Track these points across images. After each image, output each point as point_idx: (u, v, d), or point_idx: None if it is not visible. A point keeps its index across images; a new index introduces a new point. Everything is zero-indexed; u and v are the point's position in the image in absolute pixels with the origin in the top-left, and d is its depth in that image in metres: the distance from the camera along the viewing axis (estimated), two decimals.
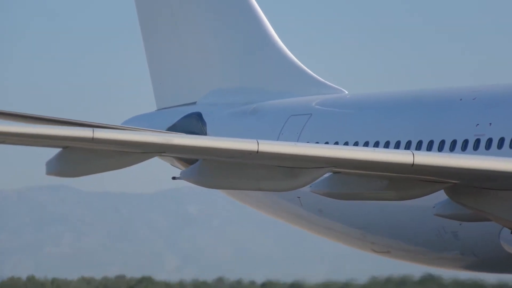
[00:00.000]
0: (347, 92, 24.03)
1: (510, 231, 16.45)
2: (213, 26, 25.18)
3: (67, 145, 14.21)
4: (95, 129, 13.61)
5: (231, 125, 23.65)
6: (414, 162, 14.42)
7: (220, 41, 25.06)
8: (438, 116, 20.07)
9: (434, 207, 17.13)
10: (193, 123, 24.49)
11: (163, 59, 26.19)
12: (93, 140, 13.52)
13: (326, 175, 15.44)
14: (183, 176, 16.69)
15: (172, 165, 23.50)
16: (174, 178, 21.25)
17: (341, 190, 16.18)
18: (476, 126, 18.38)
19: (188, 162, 19.32)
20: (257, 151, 13.89)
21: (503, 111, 18.73)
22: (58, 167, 14.75)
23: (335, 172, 15.38)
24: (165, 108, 25.67)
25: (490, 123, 18.12)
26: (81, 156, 14.46)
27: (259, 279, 30.13)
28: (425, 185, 15.80)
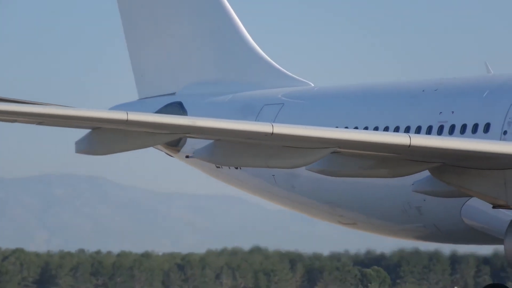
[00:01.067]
0: (313, 85, 23.03)
1: (470, 206, 16.50)
2: (190, 23, 23.94)
3: (100, 126, 13.53)
4: (129, 112, 13.10)
5: (210, 114, 21.44)
6: (411, 144, 13.73)
7: (197, 38, 23.90)
8: (403, 105, 19.04)
9: (413, 184, 16.31)
10: (175, 111, 22.72)
11: (143, 52, 24.78)
12: (127, 122, 13.07)
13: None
14: (196, 155, 15.68)
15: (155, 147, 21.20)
16: (187, 156, 20.15)
17: (336, 168, 15.22)
18: (439, 114, 17.54)
19: (171, 144, 21.24)
20: (272, 133, 13.34)
21: (464, 101, 17.98)
22: (88, 146, 14.03)
23: (335, 152, 14.42)
24: (146, 97, 24.24)
25: (453, 111, 17.33)
26: (110, 136, 13.73)
27: (115, 250, 31.61)
28: (414, 164, 15.06)
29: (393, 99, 19.40)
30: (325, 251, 30.17)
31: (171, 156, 23.08)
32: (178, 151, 21.85)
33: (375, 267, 34.39)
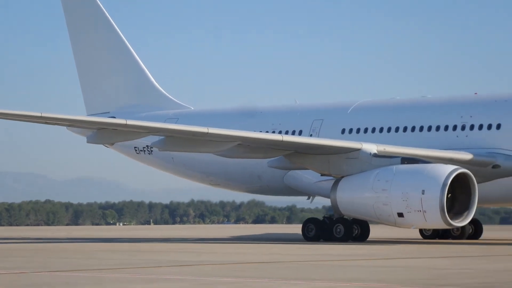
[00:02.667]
0: (193, 108, 30.51)
1: (289, 175, 24.29)
2: (113, 65, 30.49)
3: (103, 127, 21.36)
4: (128, 119, 21.13)
5: None
6: (282, 139, 21.16)
7: (120, 75, 30.53)
8: (249, 121, 26.03)
9: (268, 162, 23.08)
10: None
11: (88, 84, 31.02)
12: (126, 125, 20.63)
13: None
14: (154, 145, 22.96)
15: (78, 133, 28.14)
16: (148, 146, 27.18)
17: (235, 154, 21.98)
18: (276, 124, 25.48)
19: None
20: (207, 133, 20.46)
21: (288, 119, 26.33)
22: (96, 139, 22.07)
23: (239, 145, 21.41)
24: (91, 114, 29.82)
25: (280, 123, 25.70)
26: (109, 133, 21.55)
27: None
28: (279, 151, 22.10)
29: (246, 117, 26.48)
30: None
31: (108, 147, 29.64)
32: (112, 144, 27.75)
33: None
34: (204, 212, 69.92)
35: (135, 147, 28.50)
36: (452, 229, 22.45)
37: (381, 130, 23.36)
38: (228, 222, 69.97)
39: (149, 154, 28.58)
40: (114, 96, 30.48)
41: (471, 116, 21.84)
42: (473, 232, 24.08)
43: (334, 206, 21.11)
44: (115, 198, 76.70)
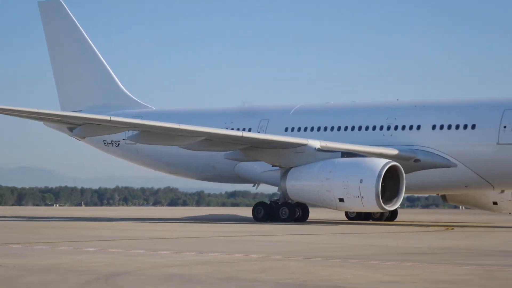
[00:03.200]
0: (154, 108, 32.58)
1: (239, 166, 26.56)
2: (82, 69, 32.87)
3: (88, 122, 23.65)
4: (111, 116, 23.99)
5: None
6: (243, 135, 23.82)
7: (88, 77, 32.85)
8: (204, 119, 28.00)
9: (224, 154, 25.18)
10: None
11: (62, 84, 33.36)
12: (110, 121, 23.12)
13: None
14: (130, 139, 25.07)
15: (57, 130, 31.06)
16: (124, 139, 28.22)
17: (201, 147, 24.25)
18: (225, 122, 27.61)
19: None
20: (179, 128, 22.86)
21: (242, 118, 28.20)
22: (80, 133, 24.52)
23: (205, 139, 23.53)
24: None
25: (232, 122, 27.71)
26: (93, 128, 24.02)
27: None
28: (238, 145, 24.37)
29: (205, 117, 29.27)
30: None
31: (80, 140, 31.53)
32: (84, 137, 29.39)
33: None
34: (128, 196, 78.38)
35: (104, 141, 30.08)
36: (373, 212, 25.14)
37: (318, 129, 25.77)
38: (148, 204, 77.22)
39: (117, 146, 30.45)
40: (84, 97, 31.91)
41: (395, 119, 24.31)
42: (390, 215, 26.33)
43: (284, 192, 23.12)
44: (53, 184, 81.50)
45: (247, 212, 29.23)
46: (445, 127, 23.49)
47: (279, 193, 24.55)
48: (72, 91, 32.87)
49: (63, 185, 78.17)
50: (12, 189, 74.42)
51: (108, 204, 75.85)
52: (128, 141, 26.52)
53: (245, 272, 6.92)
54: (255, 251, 10.35)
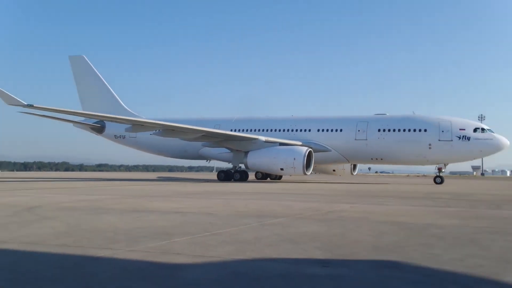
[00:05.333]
0: (144, 117, 41.35)
1: (203, 150, 38.77)
2: (94, 90, 46.15)
3: (136, 124, 33.32)
4: (145, 120, 34.32)
5: (116, 126, 42.85)
6: (226, 132, 34.59)
7: (98, 97, 45.93)
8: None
9: (202, 144, 37.25)
10: (102, 125, 44.52)
11: (85, 102, 46.41)
12: (147, 122, 33.32)
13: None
14: (155, 134, 34.36)
15: (82, 129, 44.55)
16: (151, 134, 35.95)
17: (194, 139, 35.32)
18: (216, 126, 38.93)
19: (97, 130, 44.11)
20: (193, 128, 33.87)
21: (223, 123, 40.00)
22: (130, 130, 33.82)
23: (204, 135, 34.41)
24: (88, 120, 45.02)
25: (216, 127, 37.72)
26: (137, 127, 33.67)
27: None
28: (216, 138, 35.27)
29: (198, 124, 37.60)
30: None
31: (98, 134, 44.10)
32: (101, 132, 43.73)
33: None
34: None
35: (114, 135, 43.27)
36: (271, 174, 39.79)
37: (251, 130, 38.22)
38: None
39: (123, 139, 43.20)
40: (99, 112, 39.97)
41: (296, 126, 37.42)
42: (265, 176, 40.69)
43: (245, 165, 34.19)
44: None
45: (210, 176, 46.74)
46: (325, 130, 36.46)
47: (229, 165, 36.69)
48: (90, 108, 44.33)
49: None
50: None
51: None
52: (153, 134, 34.93)
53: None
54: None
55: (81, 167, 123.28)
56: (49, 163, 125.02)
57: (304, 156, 31.82)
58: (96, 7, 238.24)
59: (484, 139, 32.06)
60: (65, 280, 4.37)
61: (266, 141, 33.96)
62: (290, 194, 17.76)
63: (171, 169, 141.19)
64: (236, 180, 34.13)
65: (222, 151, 36.39)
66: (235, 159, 35.58)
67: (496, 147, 32.17)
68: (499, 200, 15.93)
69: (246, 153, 33.96)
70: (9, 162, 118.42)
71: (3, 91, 28.81)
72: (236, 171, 34.97)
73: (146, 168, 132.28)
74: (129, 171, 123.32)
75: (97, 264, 4.97)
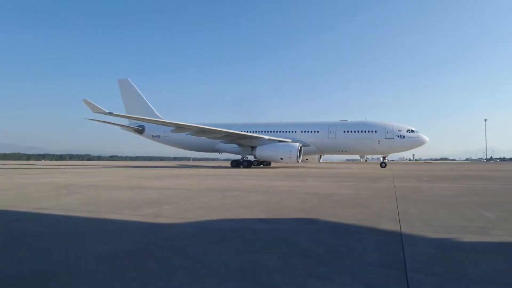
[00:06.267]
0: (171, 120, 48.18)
1: (218, 145, 48.76)
2: (137, 107, 57.53)
3: (178, 127, 42.03)
4: (185, 123, 42.25)
5: (156, 128, 54.22)
6: (243, 134, 43.39)
7: (137, 106, 57.72)
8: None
9: (220, 141, 46.98)
10: (142, 128, 54.93)
11: (129, 110, 57.25)
12: (188, 125, 41.88)
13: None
14: (190, 134, 43.71)
15: (128, 131, 55.22)
16: (186, 134, 46.31)
17: (217, 138, 44.26)
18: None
19: (139, 132, 54.66)
20: (220, 130, 42.29)
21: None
22: (175, 131, 43.39)
23: (226, 135, 43.62)
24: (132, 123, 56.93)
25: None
26: (180, 129, 42.54)
27: None
28: (234, 137, 44.06)
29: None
30: None
31: (139, 135, 54.31)
32: (142, 133, 53.99)
33: None
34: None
35: (152, 135, 53.35)
36: (254, 161, 46.76)
37: (254, 131, 47.16)
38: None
39: (158, 138, 53.31)
40: (143, 114, 53.69)
41: (285, 128, 47.48)
42: (269, 163, 49.23)
43: (254, 156, 42.21)
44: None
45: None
46: (307, 131, 46.50)
47: (238, 157, 46.95)
48: (133, 111, 56.43)
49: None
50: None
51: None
52: (188, 134, 45.30)
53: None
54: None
55: (125, 158, 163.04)
56: (77, 155, 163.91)
57: (297, 149, 40.98)
58: (139, 41, 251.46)
59: (413, 137, 43.27)
60: (87, 235, 5.86)
61: (269, 139, 43.33)
62: (253, 176, 22.51)
63: (188, 159, 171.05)
64: (244, 167, 42.33)
65: (233, 146, 46.06)
66: (243, 152, 44.67)
67: (421, 142, 43.29)
68: (376, 177, 21.63)
69: (254, 148, 43.06)
70: (50, 154, 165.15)
71: (90, 102, 37.69)
72: (244, 161, 44.03)
73: (174, 158, 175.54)
74: (161, 160, 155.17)
75: (110, 224, 6.65)
